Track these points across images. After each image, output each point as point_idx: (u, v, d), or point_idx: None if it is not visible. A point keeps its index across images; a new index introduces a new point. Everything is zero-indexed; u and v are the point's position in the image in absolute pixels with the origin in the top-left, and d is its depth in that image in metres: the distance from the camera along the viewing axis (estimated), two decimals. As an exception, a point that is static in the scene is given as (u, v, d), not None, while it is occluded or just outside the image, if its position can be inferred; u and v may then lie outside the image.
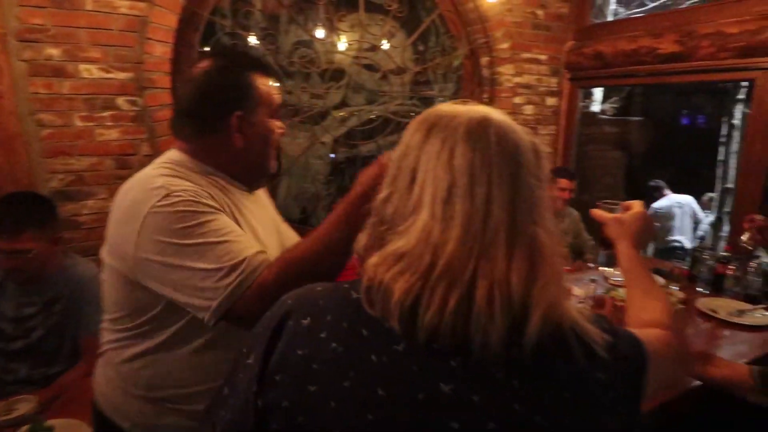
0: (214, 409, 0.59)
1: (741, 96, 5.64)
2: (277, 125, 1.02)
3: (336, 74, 2.73)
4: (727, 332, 1.85)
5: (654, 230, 0.70)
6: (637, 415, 0.59)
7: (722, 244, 4.54)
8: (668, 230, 5.37)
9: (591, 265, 2.81)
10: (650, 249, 6.00)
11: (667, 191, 5.62)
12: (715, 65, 2.45)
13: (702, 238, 5.14)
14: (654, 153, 6.60)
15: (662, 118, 8.49)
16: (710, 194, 5.37)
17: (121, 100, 2.05)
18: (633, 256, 0.90)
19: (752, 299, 2.07)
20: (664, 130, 7.98)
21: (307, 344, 0.53)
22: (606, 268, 2.57)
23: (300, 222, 2.75)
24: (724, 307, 2.03)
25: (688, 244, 5.29)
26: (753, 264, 2.14)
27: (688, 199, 5.45)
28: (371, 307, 0.52)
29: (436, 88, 3.09)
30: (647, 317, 0.79)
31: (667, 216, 5.39)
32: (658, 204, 5.53)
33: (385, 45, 2.83)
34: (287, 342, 0.54)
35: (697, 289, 2.23)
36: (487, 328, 0.48)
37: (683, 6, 4.47)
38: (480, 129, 0.54)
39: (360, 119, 2.78)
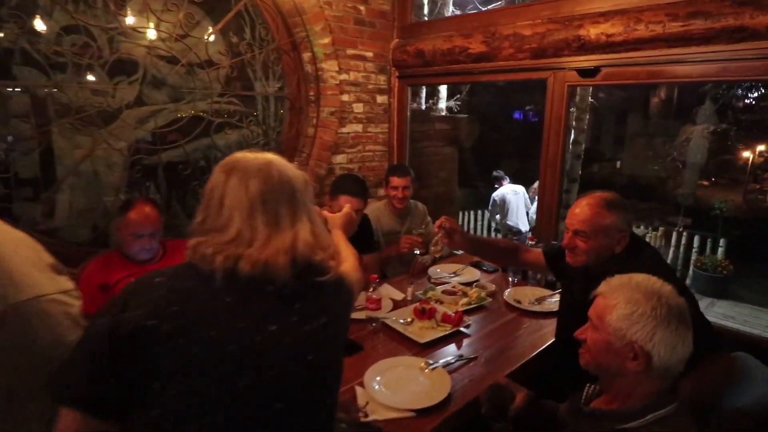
0: (61, 372, 0.79)
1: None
2: None
3: (127, 67, 2.32)
4: (527, 322, 1.95)
5: (355, 223, 1.60)
6: (348, 322, 1.04)
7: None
8: (505, 214, 5.89)
9: (436, 256, 2.78)
10: (492, 235, 6.52)
11: (506, 181, 6.17)
12: (516, 65, 2.60)
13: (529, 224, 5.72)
14: (487, 146, 7.19)
15: (496, 113, 9.32)
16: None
17: None
18: (341, 236, 1.42)
19: (552, 285, 2.23)
20: (496, 125, 8.75)
21: (168, 286, 0.80)
22: (433, 268, 2.57)
23: (93, 243, 2.29)
24: (528, 295, 2.15)
25: (523, 227, 5.85)
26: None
27: (521, 188, 6.04)
28: (204, 267, 0.82)
29: (258, 85, 2.84)
30: (348, 264, 1.19)
31: (503, 202, 5.91)
32: (496, 192, 6.03)
33: (212, 37, 2.49)
34: (147, 291, 0.80)
35: (509, 278, 2.34)
36: (279, 271, 0.82)
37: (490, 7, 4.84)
38: (266, 168, 0.87)
39: (159, 121, 2.40)
